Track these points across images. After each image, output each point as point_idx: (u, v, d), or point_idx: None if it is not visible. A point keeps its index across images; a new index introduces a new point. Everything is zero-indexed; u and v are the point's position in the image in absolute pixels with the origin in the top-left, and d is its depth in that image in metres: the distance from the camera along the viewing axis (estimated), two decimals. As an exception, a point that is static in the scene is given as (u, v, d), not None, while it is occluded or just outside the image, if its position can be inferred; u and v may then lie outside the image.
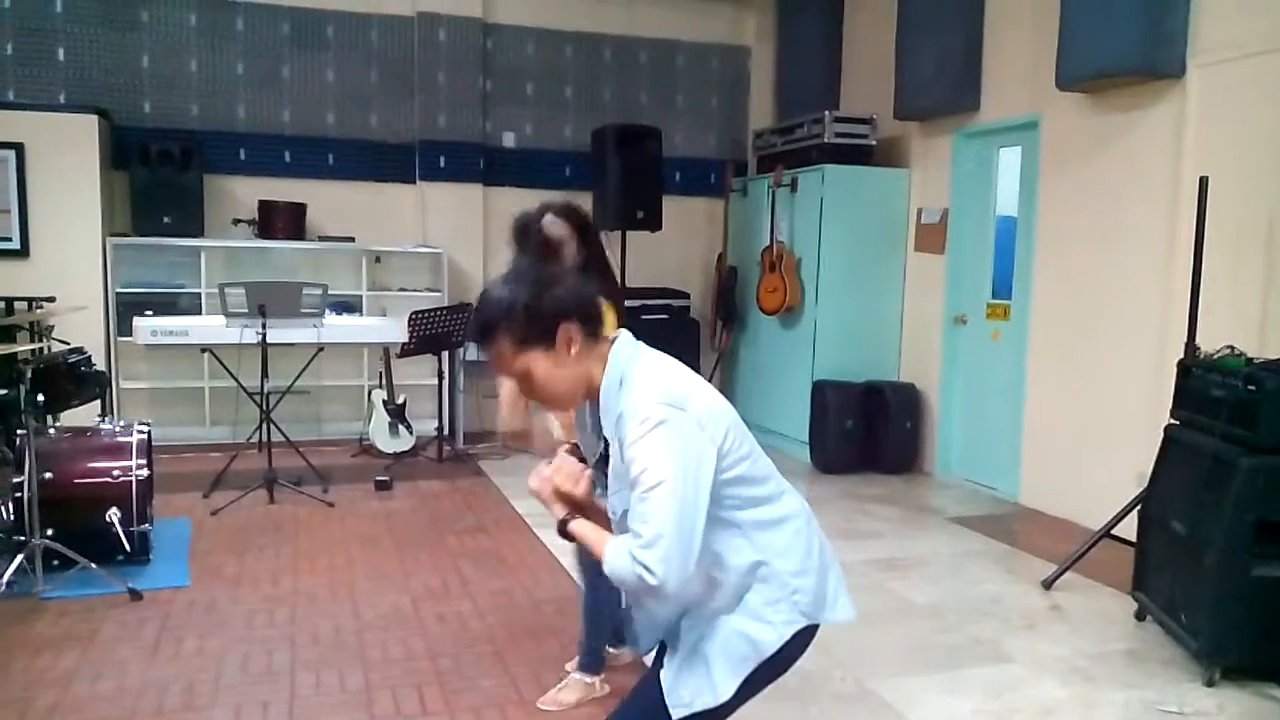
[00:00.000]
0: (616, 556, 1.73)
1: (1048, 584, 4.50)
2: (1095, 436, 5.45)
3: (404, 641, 3.76)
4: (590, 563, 3.17)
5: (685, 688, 1.87)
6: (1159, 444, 4.05)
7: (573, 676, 3.32)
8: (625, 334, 1.90)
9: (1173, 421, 4.02)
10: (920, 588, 4.57)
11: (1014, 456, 6.10)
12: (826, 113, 7.14)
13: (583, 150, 7.86)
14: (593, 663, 3.32)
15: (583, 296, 1.87)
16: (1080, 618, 4.18)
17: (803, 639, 1.91)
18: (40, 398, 4.10)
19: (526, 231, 3.13)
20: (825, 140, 7.07)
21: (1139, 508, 4.16)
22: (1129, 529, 4.23)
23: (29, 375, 4.00)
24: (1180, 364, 4.03)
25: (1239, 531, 3.41)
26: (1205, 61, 4.83)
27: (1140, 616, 4.09)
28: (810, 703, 3.35)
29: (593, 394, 1.87)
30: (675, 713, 1.87)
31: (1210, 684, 3.48)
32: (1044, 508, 5.82)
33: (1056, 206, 5.77)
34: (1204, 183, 4.16)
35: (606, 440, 1.87)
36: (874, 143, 7.18)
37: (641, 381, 1.79)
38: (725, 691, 1.84)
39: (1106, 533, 4.42)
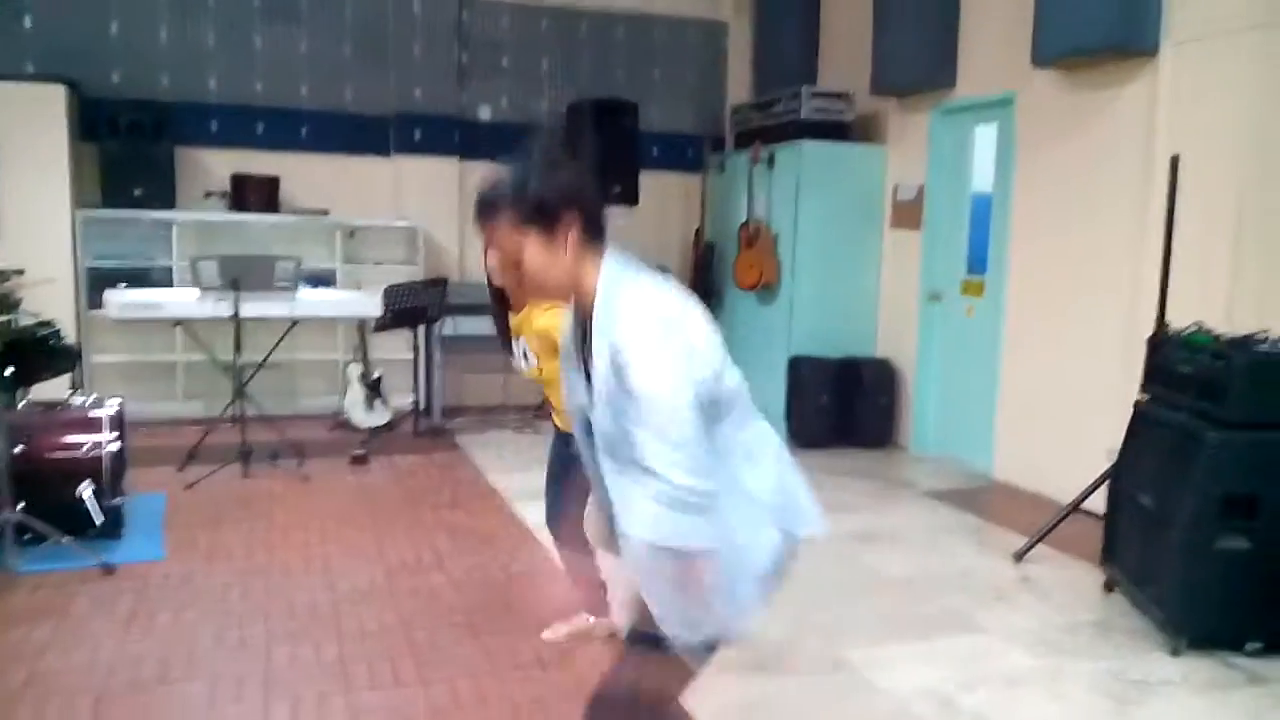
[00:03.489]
0: (647, 509, 1.70)
1: (1018, 556, 4.56)
2: (1068, 412, 5.51)
3: (378, 614, 3.77)
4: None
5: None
6: (1129, 419, 4.11)
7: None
8: (616, 251, 1.86)
9: (1142, 397, 4.07)
10: (893, 560, 4.62)
11: (988, 432, 6.16)
12: (804, 88, 7.13)
13: (559, 125, 7.81)
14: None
15: (590, 192, 1.85)
16: (1050, 589, 4.24)
17: (782, 549, 1.93)
18: (9, 371, 4.05)
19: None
20: (802, 116, 7.06)
21: (1108, 482, 4.21)
22: (1099, 503, 4.29)
23: (-2, 348, 3.96)
24: (1150, 340, 4.08)
25: (1206, 505, 3.46)
26: (1179, 39, 4.85)
27: (1109, 588, 4.16)
28: (783, 672, 3.39)
29: (581, 300, 1.84)
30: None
31: (1176, 654, 3.54)
32: (1017, 482, 5.88)
33: (1031, 184, 5.80)
34: (1174, 161, 4.19)
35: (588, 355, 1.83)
36: (851, 119, 7.18)
37: (635, 306, 1.76)
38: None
39: (1076, 506, 4.48)
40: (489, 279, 3.02)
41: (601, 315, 1.77)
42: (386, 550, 4.52)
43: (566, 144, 2.08)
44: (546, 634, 3.50)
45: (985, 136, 6.39)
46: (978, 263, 6.46)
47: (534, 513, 3.50)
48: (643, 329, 1.73)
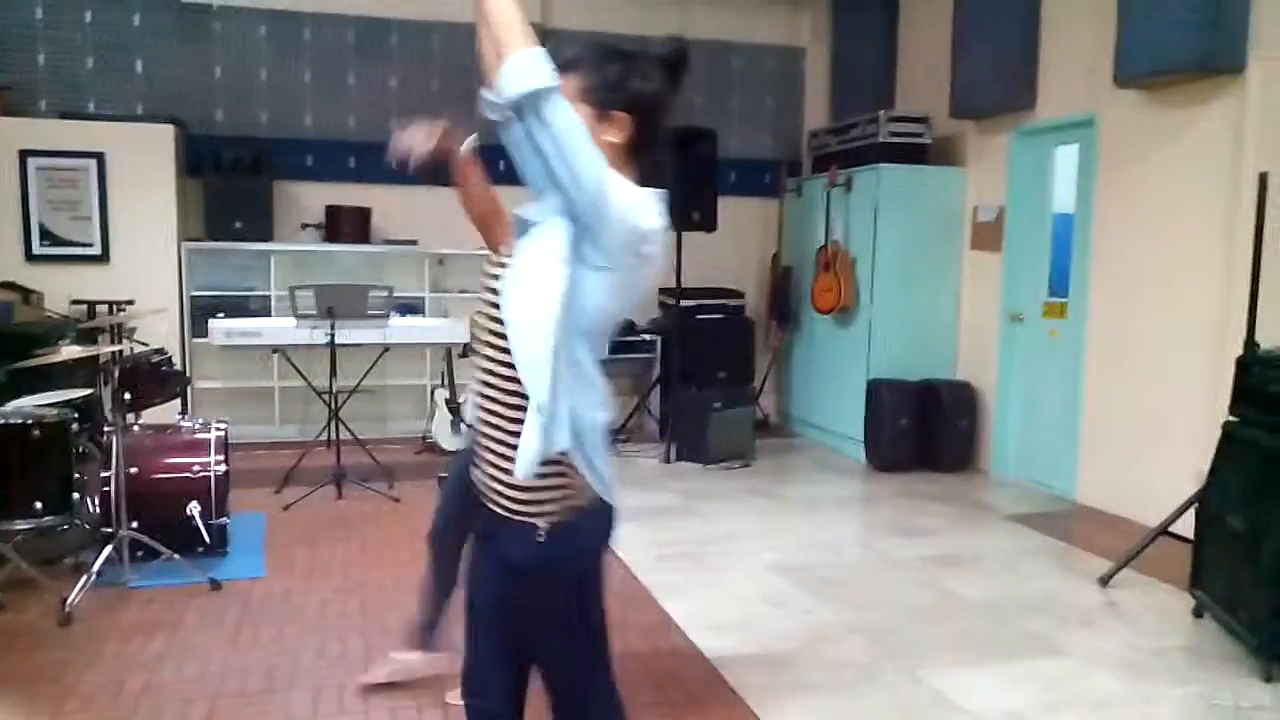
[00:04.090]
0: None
1: (1104, 580, 4.51)
2: (1154, 434, 5.43)
3: (470, 631, 3.89)
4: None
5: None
6: (1217, 441, 4.05)
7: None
8: (659, 194, 1.86)
9: (1231, 419, 4.01)
10: (974, 583, 4.61)
11: (1071, 454, 6.08)
12: (881, 112, 7.17)
13: (638, 152, 7.96)
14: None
15: (658, 120, 1.86)
16: (1137, 614, 4.19)
17: (599, 518, 1.89)
18: (127, 396, 4.30)
19: None
20: (880, 140, 7.10)
21: (1197, 505, 4.16)
22: (1187, 526, 4.23)
23: (117, 374, 4.21)
24: (1238, 361, 4.03)
25: (1297, 528, 3.41)
26: (1266, 55, 4.81)
27: (1198, 613, 4.09)
28: (864, 694, 3.42)
29: None
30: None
31: (1269, 679, 3.48)
32: (1102, 505, 5.80)
33: (1114, 204, 5.76)
34: (1263, 179, 4.15)
35: None
36: (929, 141, 7.20)
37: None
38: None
39: (1163, 530, 4.42)
40: None
41: None
42: (475, 569, 4.66)
43: (675, 78, 2.01)
44: (364, 679, 3.42)
45: (1066, 157, 6.35)
46: (1060, 284, 6.41)
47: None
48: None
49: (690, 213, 7.25)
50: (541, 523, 1.82)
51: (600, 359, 1.87)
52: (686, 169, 7.28)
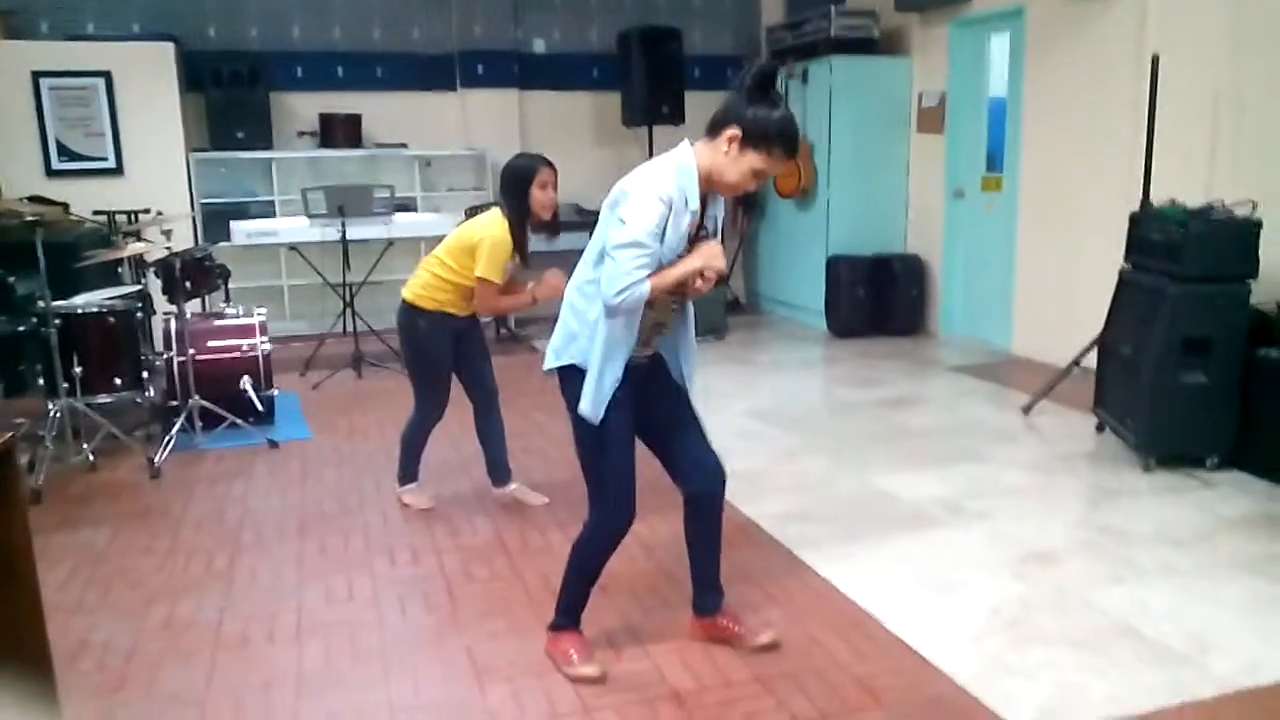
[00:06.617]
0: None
1: (1026, 409, 5.35)
2: (1074, 289, 6.23)
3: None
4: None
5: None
6: (1115, 285, 4.84)
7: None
8: None
9: (1125, 265, 4.80)
10: (917, 417, 5.44)
11: (1007, 312, 6.90)
12: (832, 7, 7.75)
13: (609, 52, 8.50)
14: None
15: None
16: (1050, 432, 5.04)
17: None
18: (187, 285, 4.95)
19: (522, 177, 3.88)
20: (832, 34, 7.69)
21: (1100, 341, 4.96)
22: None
23: (179, 267, 4.86)
24: (1132, 216, 4.79)
25: (1168, 346, 4.22)
26: (1165, -50, 5.46)
27: (1100, 428, 4.94)
28: (823, 494, 4.24)
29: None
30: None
31: (1148, 470, 4.34)
32: (1032, 355, 6.63)
33: (1039, 87, 6.45)
34: (1155, 61, 4.85)
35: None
36: (877, 34, 7.81)
37: None
38: None
39: (1075, 364, 5.23)
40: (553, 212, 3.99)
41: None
42: (492, 425, 5.40)
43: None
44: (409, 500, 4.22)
45: (999, 45, 7.01)
46: (996, 161, 7.13)
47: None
48: None
49: (659, 107, 7.87)
50: None
51: None
52: (654, 67, 7.88)
